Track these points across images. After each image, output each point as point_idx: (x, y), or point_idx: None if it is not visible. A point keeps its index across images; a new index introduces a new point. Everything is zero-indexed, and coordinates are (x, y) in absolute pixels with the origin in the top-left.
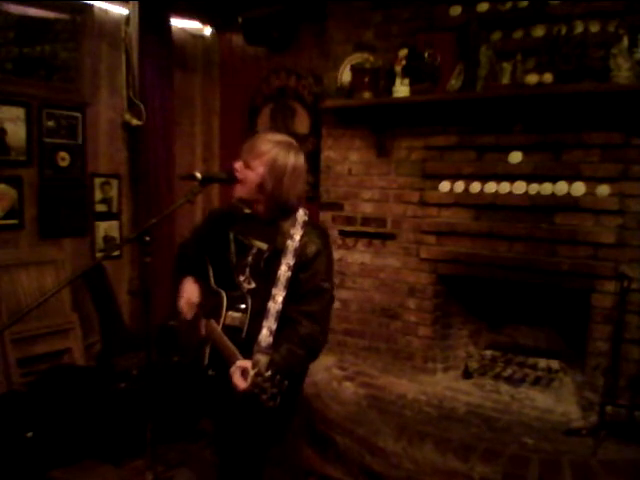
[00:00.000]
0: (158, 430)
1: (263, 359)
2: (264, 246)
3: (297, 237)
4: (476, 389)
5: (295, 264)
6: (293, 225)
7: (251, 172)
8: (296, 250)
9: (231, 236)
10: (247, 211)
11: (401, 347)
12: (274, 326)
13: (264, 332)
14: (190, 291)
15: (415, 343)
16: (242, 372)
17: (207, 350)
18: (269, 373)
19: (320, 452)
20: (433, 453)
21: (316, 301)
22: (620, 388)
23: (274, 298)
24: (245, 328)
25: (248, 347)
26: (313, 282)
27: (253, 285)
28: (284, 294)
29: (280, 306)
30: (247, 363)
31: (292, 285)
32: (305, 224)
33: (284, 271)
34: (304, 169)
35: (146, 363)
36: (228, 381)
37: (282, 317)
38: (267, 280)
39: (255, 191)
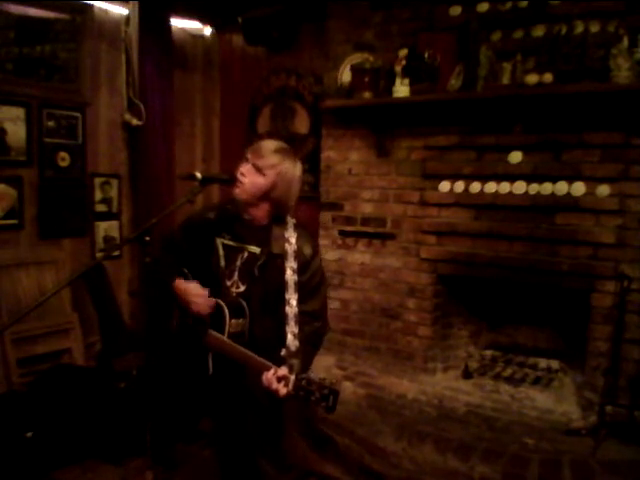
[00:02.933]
0: (158, 430)
1: (297, 362)
2: (257, 250)
3: (293, 240)
4: (476, 389)
5: (297, 267)
6: (286, 229)
7: (261, 178)
8: (295, 252)
9: (218, 241)
10: (244, 214)
11: (401, 347)
12: (296, 329)
13: (290, 337)
14: (195, 287)
15: (415, 343)
16: (280, 379)
17: (210, 359)
18: (312, 375)
19: (320, 452)
20: (433, 453)
21: (316, 299)
22: (620, 388)
23: (289, 302)
24: (247, 332)
25: (252, 349)
26: (313, 282)
27: (242, 288)
28: (297, 297)
29: (296, 309)
30: (284, 370)
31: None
32: (296, 227)
33: (290, 275)
34: (301, 178)
35: (146, 363)
36: (229, 382)
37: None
38: (265, 285)
39: (260, 196)
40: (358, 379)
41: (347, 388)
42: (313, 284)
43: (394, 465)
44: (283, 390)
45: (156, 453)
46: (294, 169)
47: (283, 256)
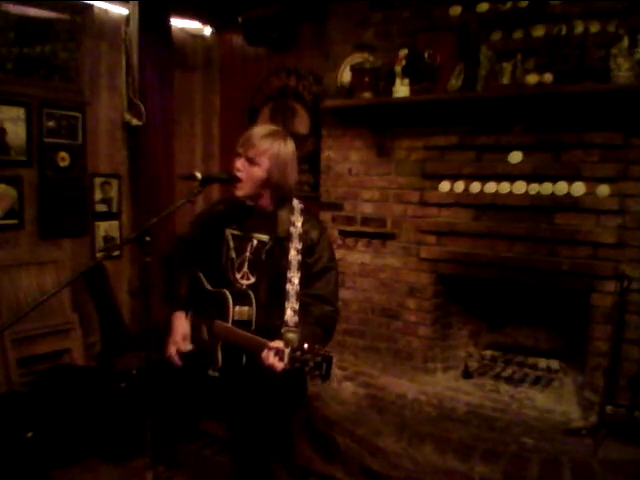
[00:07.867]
0: (158, 430)
1: (294, 336)
2: (265, 237)
3: (299, 224)
4: (476, 389)
5: (302, 248)
6: (292, 213)
7: (256, 168)
8: (301, 235)
9: (228, 233)
10: (250, 204)
11: (401, 347)
12: (296, 306)
13: (288, 312)
14: (182, 330)
15: (415, 343)
16: (275, 353)
17: (219, 352)
18: (306, 345)
19: (320, 452)
20: (433, 453)
21: (325, 283)
22: (620, 388)
23: (290, 280)
24: (254, 320)
25: (261, 337)
26: (320, 265)
27: (252, 280)
28: (299, 275)
29: (298, 287)
30: (279, 343)
31: (301, 268)
32: (302, 211)
33: (294, 255)
34: (296, 153)
35: (146, 363)
36: (238, 379)
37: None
38: (271, 270)
39: (260, 185)
40: (358, 379)
41: (347, 388)
42: (320, 267)
43: (394, 465)
44: (279, 365)
45: (156, 453)
46: (286, 148)
47: (288, 239)
